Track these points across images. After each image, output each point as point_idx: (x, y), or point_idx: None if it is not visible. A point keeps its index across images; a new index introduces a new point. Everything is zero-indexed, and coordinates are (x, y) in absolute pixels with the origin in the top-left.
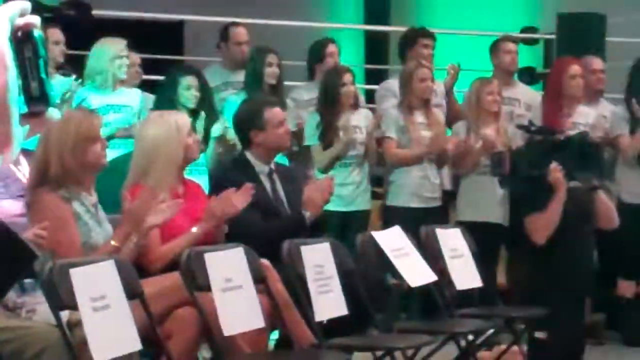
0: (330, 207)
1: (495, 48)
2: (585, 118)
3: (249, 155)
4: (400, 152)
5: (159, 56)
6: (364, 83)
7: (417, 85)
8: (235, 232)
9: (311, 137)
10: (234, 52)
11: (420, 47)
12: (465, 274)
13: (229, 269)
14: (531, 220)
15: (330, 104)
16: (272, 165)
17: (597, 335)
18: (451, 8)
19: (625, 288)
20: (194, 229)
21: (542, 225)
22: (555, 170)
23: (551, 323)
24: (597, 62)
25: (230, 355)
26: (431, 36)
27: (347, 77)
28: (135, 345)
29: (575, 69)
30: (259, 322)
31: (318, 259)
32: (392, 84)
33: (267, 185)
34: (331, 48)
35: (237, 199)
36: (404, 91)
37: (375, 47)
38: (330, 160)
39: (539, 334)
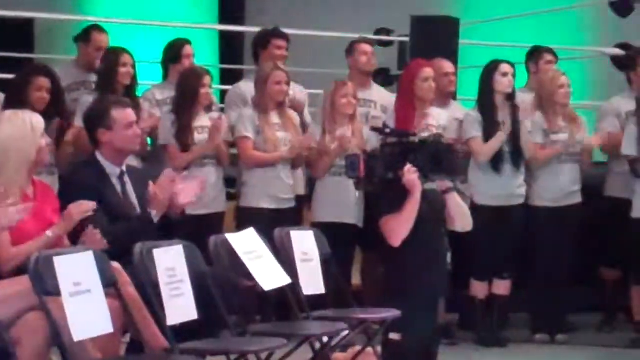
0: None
1: (351, 49)
2: (438, 120)
3: (99, 156)
4: (257, 154)
5: (8, 54)
6: (219, 84)
7: (272, 87)
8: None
9: (166, 137)
10: (93, 56)
11: (273, 49)
12: (313, 279)
13: (78, 272)
14: (386, 222)
15: (188, 105)
16: (124, 167)
17: (451, 336)
18: (307, 8)
19: (478, 289)
20: (49, 233)
21: (398, 227)
22: (410, 172)
23: (405, 324)
24: (448, 65)
25: None
26: (284, 37)
27: (207, 80)
28: None
29: (427, 71)
30: (107, 328)
31: (170, 261)
32: (242, 88)
33: (118, 187)
34: (188, 49)
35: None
36: (259, 92)
37: (230, 48)
38: (188, 161)
39: (394, 335)
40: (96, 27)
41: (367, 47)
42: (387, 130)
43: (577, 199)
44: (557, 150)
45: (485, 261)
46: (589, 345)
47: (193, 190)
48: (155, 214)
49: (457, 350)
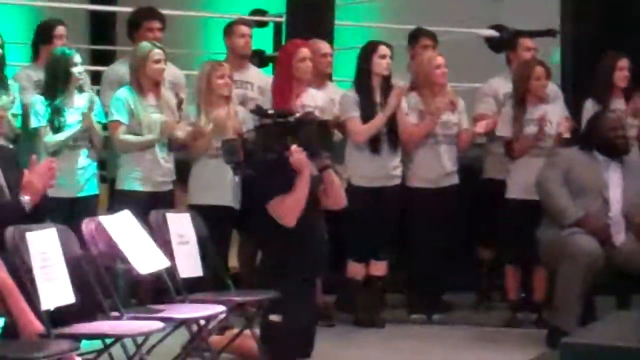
0: (57, 192)
1: (228, 31)
2: (314, 101)
3: None
4: (129, 138)
5: None
6: (89, 64)
7: (152, 66)
8: None
9: (38, 120)
10: None
11: (146, 31)
12: (190, 262)
13: None
14: (277, 204)
15: (60, 87)
16: None
17: (328, 317)
18: None
19: (355, 270)
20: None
21: (291, 208)
22: (297, 152)
23: (283, 306)
24: (325, 46)
25: None
26: (158, 18)
27: (77, 59)
28: None
29: (304, 52)
30: None
31: (44, 245)
32: (118, 69)
33: None
34: (60, 30)
35: None
36: (135, 73)
37: (101, 28)
38: (60, 143)
39: (274, 317)
40: None
41: (245, 29)
42: (270, 112)
43: (454, 180)
44: (429, 125)
45: (362, 242)
46: (465, 324)
47: (50, 172)
48: (28, 201)
49: (335, 331)
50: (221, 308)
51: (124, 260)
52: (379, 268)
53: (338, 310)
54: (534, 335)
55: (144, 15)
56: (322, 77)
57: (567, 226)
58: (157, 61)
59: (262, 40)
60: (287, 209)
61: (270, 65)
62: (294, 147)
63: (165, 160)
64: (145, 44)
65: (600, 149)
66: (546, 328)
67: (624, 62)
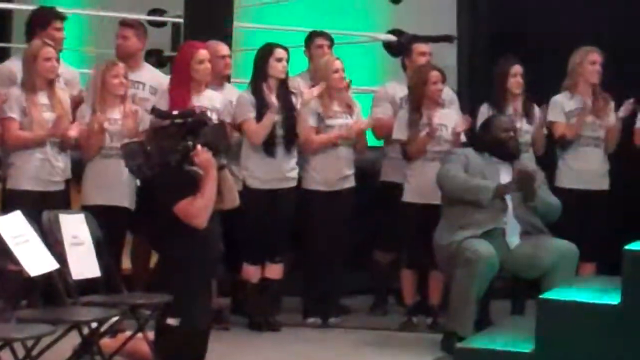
0: None
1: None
2: (212, 102)
3: None
4: (22, 134)
5: None
6: None
7: (43, 64)
8: None
9: None
10: None
11: (53, 30)
12: (84, 263)
13: None
14: (186, 206)
15: None
16: None
17: (223, 320)
18: None
19: (251, 273)
20: None
21: (202, 209)
22: (203, 152)
23: (181, 308)
24: (223, 48)
25: None
26: (63, 18)
27: None
28: None
29: (202, 53)
30: None
31: None
32: (10, 66)
33: None
34: None
35: None
36: (27, 71)
37: None
38: None
39: (171, 321)
40: None
41: (125, 31)
42: (173, 113)
43: (351, 183)
44: (333, 136)
45: (258, 244)
46: (361, 328)
47: None
48: None
49: (230, 335)
50: (114, 311)
51: (14, 261)
52: (274, 271)
53: (233, 313)
54: (429, 340)
55: (50, 16)
56: (219, 79)
57: (491, 198)
58: (48, 59)
59: (161, 40)
60: (198, 210)
61: (168, 65)
62: (199, 147)
63: (56, 159)
64: (36, 42)
65: (492, 151)
66: (441, 332)
67: (517, 69)
